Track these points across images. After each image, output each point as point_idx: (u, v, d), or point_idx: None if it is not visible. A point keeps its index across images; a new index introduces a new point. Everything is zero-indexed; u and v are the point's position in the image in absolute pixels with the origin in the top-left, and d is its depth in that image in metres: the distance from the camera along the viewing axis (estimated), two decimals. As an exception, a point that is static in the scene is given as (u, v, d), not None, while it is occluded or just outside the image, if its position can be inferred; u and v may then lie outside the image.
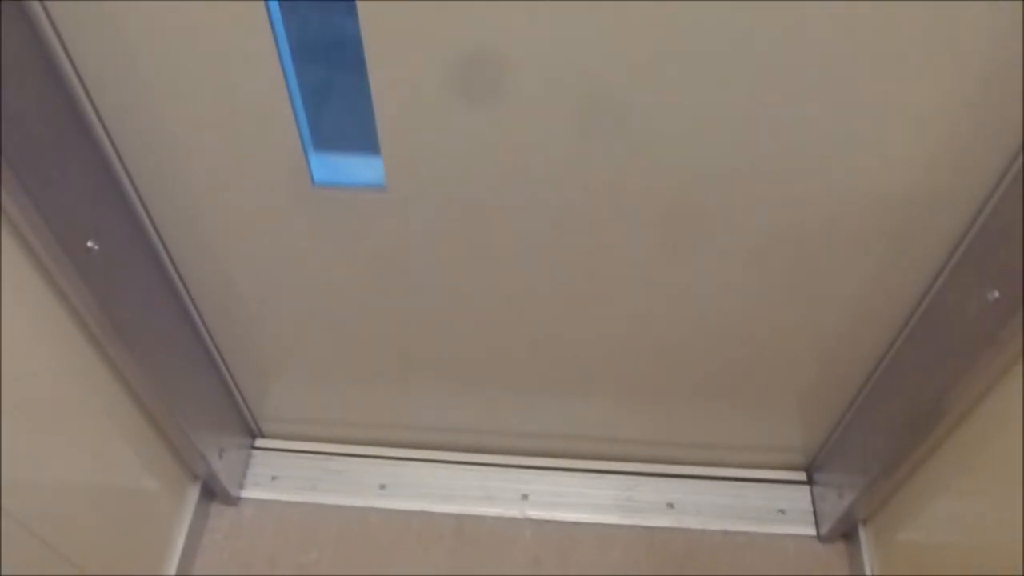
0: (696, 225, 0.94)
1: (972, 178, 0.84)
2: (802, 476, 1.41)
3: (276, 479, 1.43)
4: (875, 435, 1.15)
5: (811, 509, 1.38)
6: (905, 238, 0.93)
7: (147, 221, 0.97)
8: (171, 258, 1.04)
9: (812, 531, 1.36)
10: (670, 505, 1.39)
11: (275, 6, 0.75)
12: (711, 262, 0.99)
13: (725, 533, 1.36)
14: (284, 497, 1.41)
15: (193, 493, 1.35)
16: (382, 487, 1.41)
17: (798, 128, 0.81)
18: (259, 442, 1.47)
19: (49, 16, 0.74)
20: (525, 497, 1.40)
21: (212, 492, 1.39)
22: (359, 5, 0.72)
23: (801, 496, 1.39)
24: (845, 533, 1.33)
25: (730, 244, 0.96)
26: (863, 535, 1.28)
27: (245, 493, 1.41)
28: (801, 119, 0.80)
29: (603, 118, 0.82)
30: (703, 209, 0.91)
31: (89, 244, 0.84)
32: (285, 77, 0.80)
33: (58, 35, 0.76)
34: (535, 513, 1.39)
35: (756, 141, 0.82)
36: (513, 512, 1.39)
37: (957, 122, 0.79)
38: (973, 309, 0.89)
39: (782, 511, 1.37)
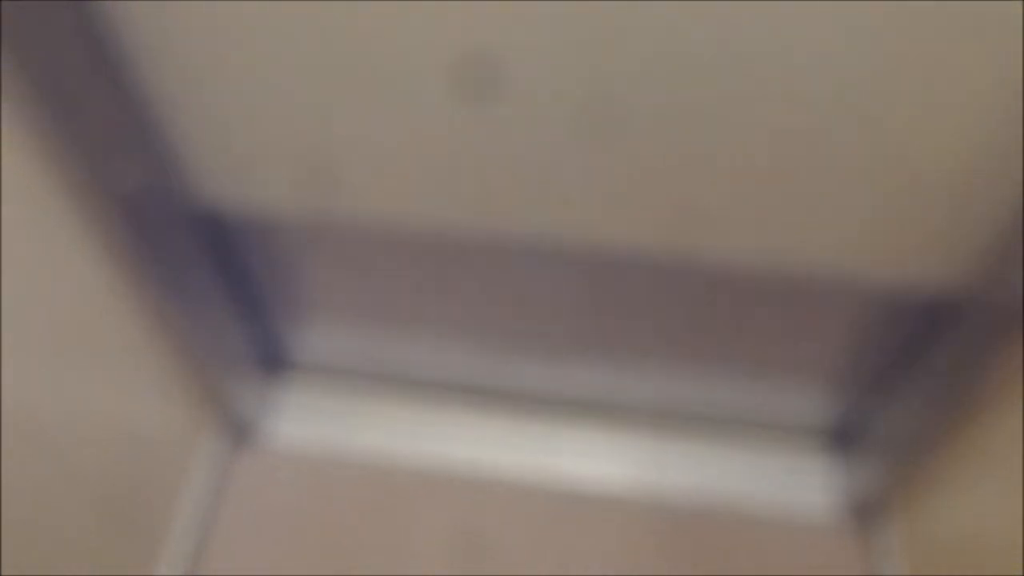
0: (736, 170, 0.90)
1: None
2: (827, 455, 1.39)
3: (301, 420, 1.43)
4: (909, 416, 1.13)
5: (836, 485, 1.36)
6: (955, 217, 0.89)
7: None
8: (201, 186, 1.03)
9: (835, 507, 1.34)
10: (689, 470, 1.38)
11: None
12: (748, 225, 0.95)
13: (744, 502, 1.35)
14: (307, 446, 1.42)
15: (215, 437, 1.36)
16: (407, 433, 1.42)
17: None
18: (285, 390, 1.48)
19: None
20: (545, 452, 1.40)
21: (235, 437, 1.39)
22: None
23: (826, 471, 1.37)
24: (869, 511, 1.31)
25: (778, 189, 0.91)
26: (887, 514, 1.26)
27: (268, 432, 1.42)
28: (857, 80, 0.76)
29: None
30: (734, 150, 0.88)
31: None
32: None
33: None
34: (553, 469, 1.38)
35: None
36: (533, 466, 1.39)
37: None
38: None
39: (805, 485, 1.36)
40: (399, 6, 0.73)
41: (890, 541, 1.24)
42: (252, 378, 1.34)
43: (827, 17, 0.71)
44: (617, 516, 1.34)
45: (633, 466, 1.38)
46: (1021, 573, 0.88)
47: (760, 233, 0.92)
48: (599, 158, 0.87)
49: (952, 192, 0.85)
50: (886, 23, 0.70)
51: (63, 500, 0.96)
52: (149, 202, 0.92)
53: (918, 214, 0.88)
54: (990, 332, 0.93)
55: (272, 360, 1.42)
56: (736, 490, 1.36)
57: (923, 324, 1.07)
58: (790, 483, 1.36)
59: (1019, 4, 0.66)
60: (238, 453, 1.40)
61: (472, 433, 1.42)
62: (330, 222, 1.06)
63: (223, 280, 1.17)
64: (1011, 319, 0.87)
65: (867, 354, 1.16)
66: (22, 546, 0.88)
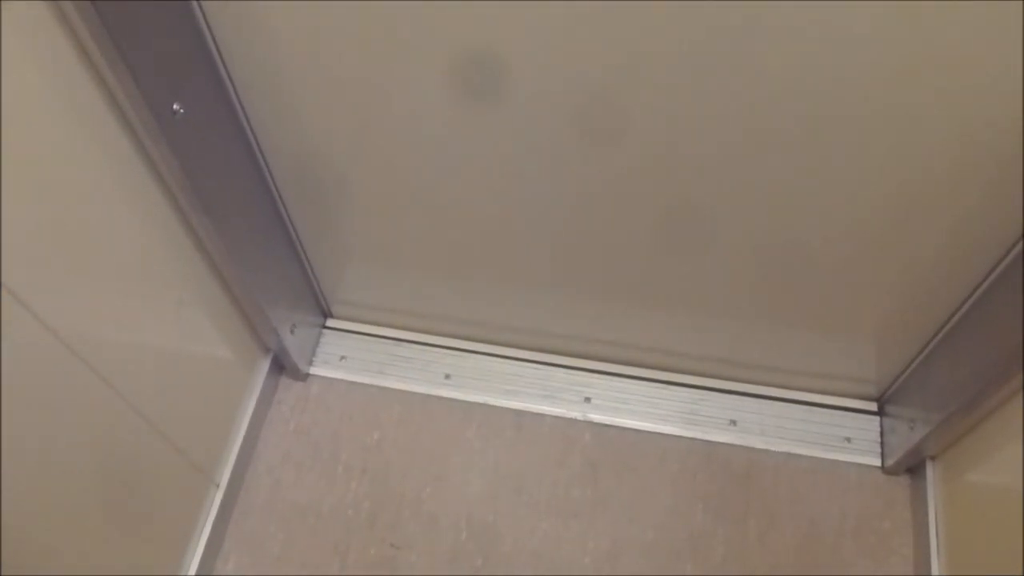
0: (790, 148, 0.90)
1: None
2: (872, 406, 1.38)
3: (344, 359, 1.45)
4: (957, 371, 1.11)
5: (879, 440, 1.35)
6: (1011, 171, 0.87)
7: (232, 91, 0.97)
8: (253, 132, 1.04)
9: (877, 462, 1.33)
10: (733, 422, 1.37)
11: None
12: (799, 182, 0.95)
13: (787, 455, 1.34)
14: (351, 377, 1.44)
15: (264, 365, 1.38)
16: (447, 376, 1.43)
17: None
18: (330, 322, 1.49)
19: None
20: (587, 400, 1.40)
21: (282, 366, 1.42)
22: None
23: (870, 426, 1.36)
24: (911, 467, 1.30)
25: (827, 170, 0.92)
26: (930, 471, 1.25)
27: (314, 370, 1.45)
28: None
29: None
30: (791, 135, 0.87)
31: (175, 107, 0.83)
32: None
33: None
34: (596, 416, 1.39)
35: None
36: (574, 413, 1.39)
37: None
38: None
39: (848, 439, 1.35)
40: None
41: (930, 491, 1.23)
42: (303, 316, 1.36)
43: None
44: (655, 460, 1.35)
45: (689, 415, 1.39)
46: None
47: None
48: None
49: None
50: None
51: (125, 420, 0.99)
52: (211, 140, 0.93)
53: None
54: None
55: (321, 302, 1.43)
56: (780, 436, 1.36)
57: (975, 282, 1.05)
58: (834, 432, 1.36)
59: None
60: (287, 384, 1.43)
61: (513, 377, 1.43)
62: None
63: (278, 223, 1.19)
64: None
65: (914, 313, 1.14)
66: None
